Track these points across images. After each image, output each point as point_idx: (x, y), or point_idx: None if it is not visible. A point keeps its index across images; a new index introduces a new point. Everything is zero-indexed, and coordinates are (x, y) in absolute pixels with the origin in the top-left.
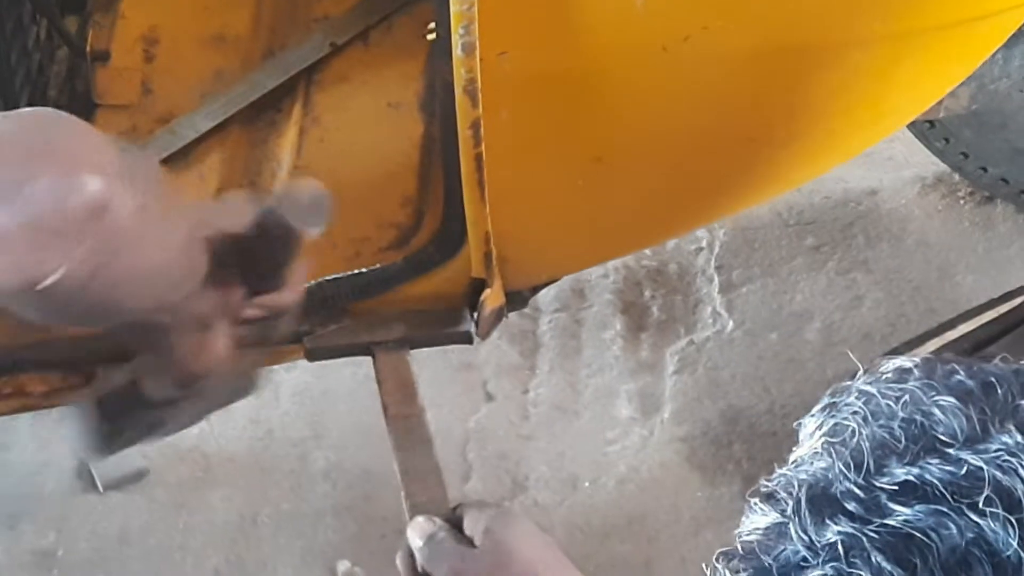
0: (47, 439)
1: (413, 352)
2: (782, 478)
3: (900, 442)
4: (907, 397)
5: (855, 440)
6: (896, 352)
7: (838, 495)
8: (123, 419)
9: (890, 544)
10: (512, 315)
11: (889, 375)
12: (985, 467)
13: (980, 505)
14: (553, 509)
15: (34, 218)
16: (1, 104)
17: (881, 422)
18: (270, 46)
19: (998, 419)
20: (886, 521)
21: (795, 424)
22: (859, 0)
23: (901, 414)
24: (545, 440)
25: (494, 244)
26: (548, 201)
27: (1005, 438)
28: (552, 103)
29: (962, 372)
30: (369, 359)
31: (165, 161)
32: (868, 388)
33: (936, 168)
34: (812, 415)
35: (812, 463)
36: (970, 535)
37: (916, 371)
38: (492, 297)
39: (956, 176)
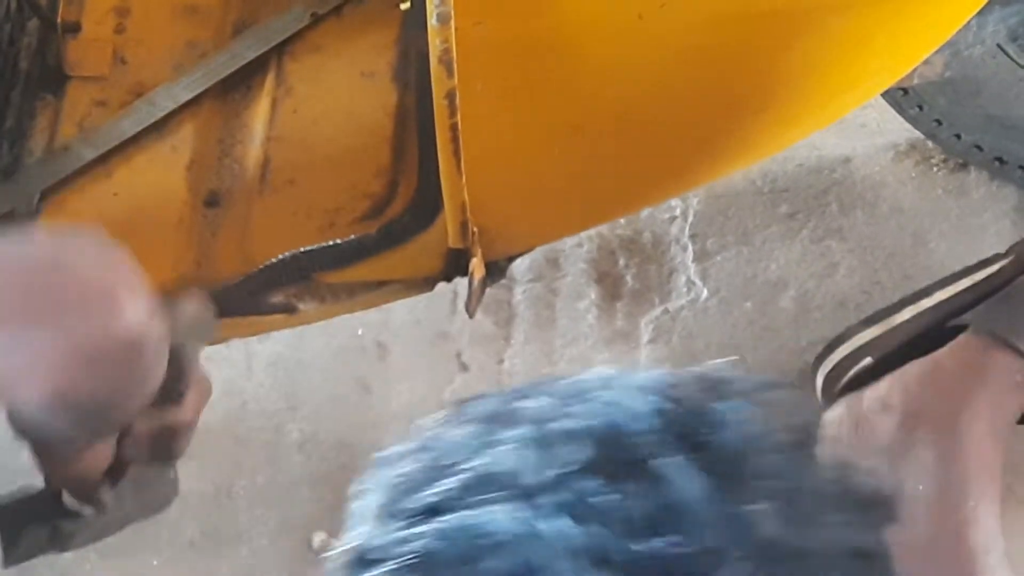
0: None
1: (387, 323)
2: None
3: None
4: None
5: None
6: (872, 320)
7: None
8: (22, 529)
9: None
10: None
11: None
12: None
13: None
14: None
15: (76, 345)
16: None
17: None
18: (242, 17)
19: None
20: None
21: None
22: None
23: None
24: None
25: (471, 214)
26: (525, 170)
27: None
28: (528, 72)
29: None
30: (344, 329)
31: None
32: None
33: (909, 135)
34: None
35: None
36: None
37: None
38: (476, 268)
39: (930, 143)
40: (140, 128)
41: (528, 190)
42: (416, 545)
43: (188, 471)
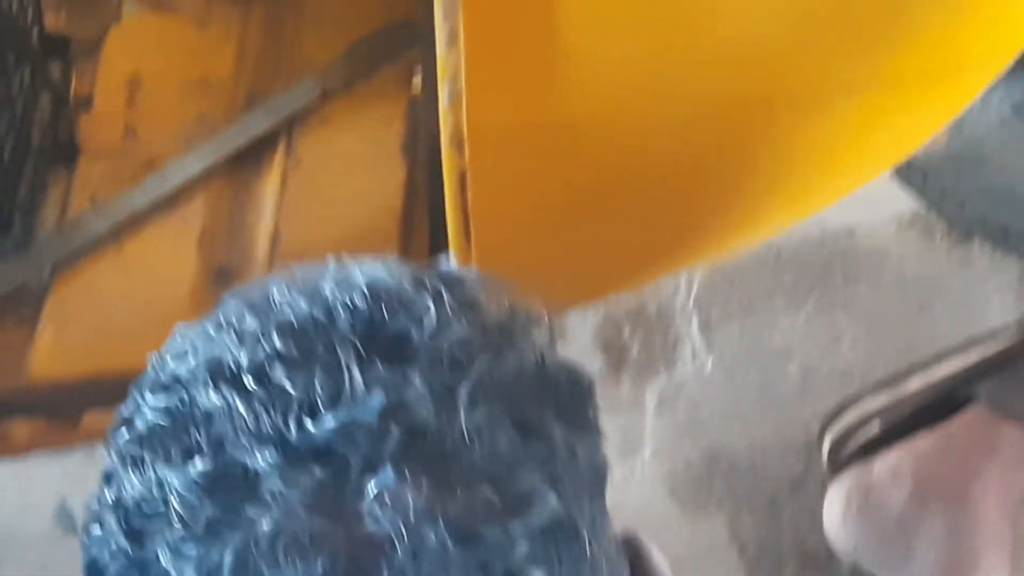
0: (29, 479)
1: None
2: None
3: None
4: None
5: None
6: (880, 386)
7: None
8: None
9: None
10: None
11: None
12: None
13: None
14: None
15: None
16: None
17: None
18: (253, 91)
19: None
20: None
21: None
22: (843, 48)
23: None
24: None
25: None
26: (534, 246)
27: None
28: (537, 151)
29: None
30: None
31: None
32: None
33: (913, 206)
34: None
35: None
36: None
37: None
38: None
39: (933, 214)
40: (151, 201)
41: (537, 266)
42: (147, 419)
43: None
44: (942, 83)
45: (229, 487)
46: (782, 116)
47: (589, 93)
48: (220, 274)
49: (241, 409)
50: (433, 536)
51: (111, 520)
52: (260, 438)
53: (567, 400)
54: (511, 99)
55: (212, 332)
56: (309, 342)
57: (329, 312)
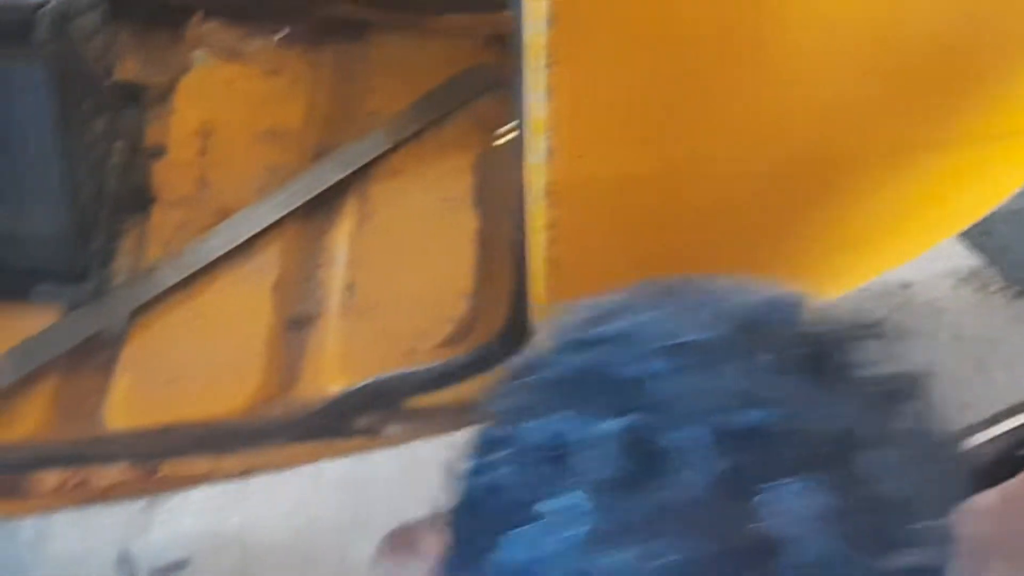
0: (90, 526)
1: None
2: None
3: None
4: None
5: None
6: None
7: None
8: None
9: None
10: None
11: None
12: None
13: None
14: None
15: None
16: (66, 197)
17: None
18: (322, 141)
19: None
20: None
21: None
22: (932, 106)
23: None
24: None
25: None
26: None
27: None
28: (623, 202)
29: None
30: (411, 447)
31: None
32: None
33: (969, 261)
34: None
35: None
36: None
37: None
38: None
39: (990, 270)
40: (225, 250)
41: None
42: (563, 371)
43: None
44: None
45: (643, 449)
46: (869, 172)
47: (679, 145)
48: (294, 323)
49: (673, 380)
50: (823, 545)
51: (503, 460)
52: (686, 413)
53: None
54: (601, 153)
55: (653, 307)
56: (750, 339)
57: (772, 317)
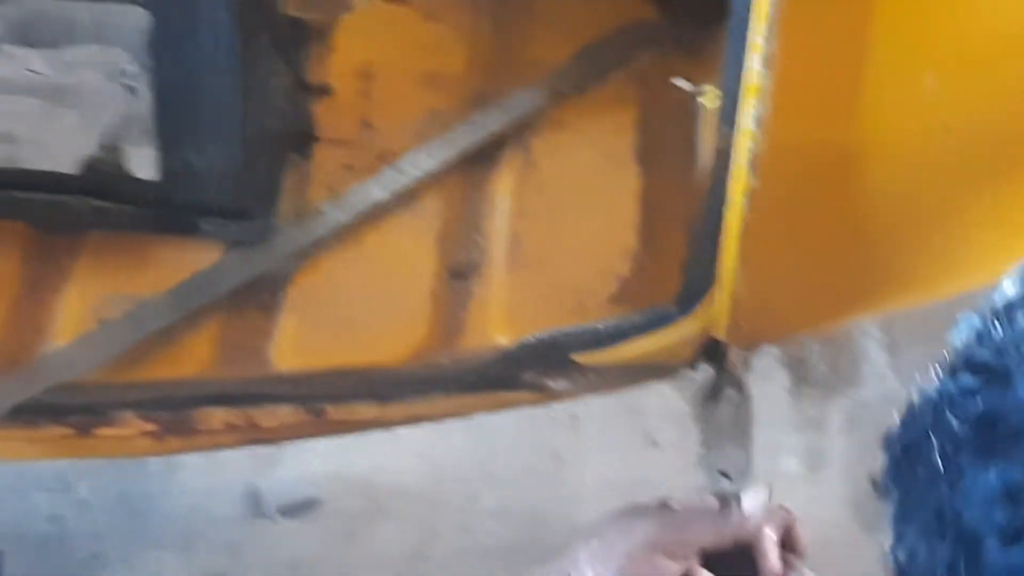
0: (218, 461)
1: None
2: None
3: None
4: None
5: None
6: None
7: None
8: None
9: None
10: None
11: None
12: None
13: None
14: None
15: None
16: (240, 132)
17: None
18: (483, 88)
19: None
20: None
21: None
22: None
23: None
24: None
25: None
26: (790, 267)
27: None
28: (819, 175)
29: None
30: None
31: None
32: None
33: None
34: None
35: None
36: None
37: None
38: (736, 357)
39: None
40: (389, 195)
41: (789, 286)
42: None
43: (384, 532)
44: None
45: None
46: None
47: (889, 119)
48: (458, 273)
49: None
50: None
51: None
52: None
53: None
54: (810, 125)
55: None
56: None
57: None
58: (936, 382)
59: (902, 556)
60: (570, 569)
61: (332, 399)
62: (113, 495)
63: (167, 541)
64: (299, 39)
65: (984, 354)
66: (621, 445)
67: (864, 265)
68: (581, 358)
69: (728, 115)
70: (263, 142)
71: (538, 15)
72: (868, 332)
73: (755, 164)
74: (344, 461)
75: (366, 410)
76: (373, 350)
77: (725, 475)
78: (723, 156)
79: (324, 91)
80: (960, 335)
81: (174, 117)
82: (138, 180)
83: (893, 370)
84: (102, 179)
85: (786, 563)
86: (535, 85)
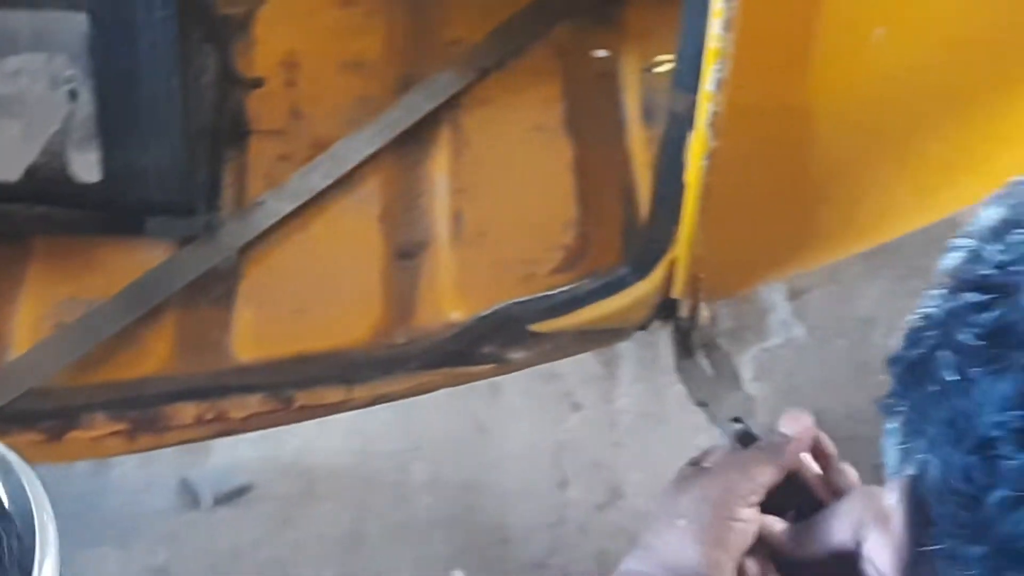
0: (149, 456)
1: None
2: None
3: None
4: None
5: None
6: None
7: None
8: None
9: None
10: None
11: None
12: None
13: None
14: None
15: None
16: (181, 129)
17: None
18: (406, 71)
19: None
20: None
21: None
22: None
23: None
24: (636, 447)
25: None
26: (748, 226)
27: None
28: (774, 133)
29: None
30: None
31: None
32: None
33: None
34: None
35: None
36: None
37: None
38: (702, 312)
39: None
40: (329, 182)
41: (747, 241)
42: None
43: (320, 512)
44: None
45: None
46: (991, 99)
47: (835, 77)
48: (404, 253)
49: None
50: None
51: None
52: None
53: None
54: (767, 84)
55: None
56: None
57: None
58: (936, 302)
59: (913, 469)
60: (676, 552)
61: (299, 385)
62: None
63: (105, 540)
64: (227, 33)
65: (985, 271)
66: (543, 409)
67: (818, 214)
68: (538, 327)
69: (685, 79)
70: (202, 138)
71: None
72: (772, 284)
73: (715, 125)
74: (274, 445)
75: (333, 394)
76: (331, 334)
77: (737, 420)
78: (679, 120)
79: (256, 83)
80: (953, 258)
81: (116, 119)
82: (82, 183)
83: (797, 317)
84: (46, 185)
85: (826, 466)
86: (457, 63)
